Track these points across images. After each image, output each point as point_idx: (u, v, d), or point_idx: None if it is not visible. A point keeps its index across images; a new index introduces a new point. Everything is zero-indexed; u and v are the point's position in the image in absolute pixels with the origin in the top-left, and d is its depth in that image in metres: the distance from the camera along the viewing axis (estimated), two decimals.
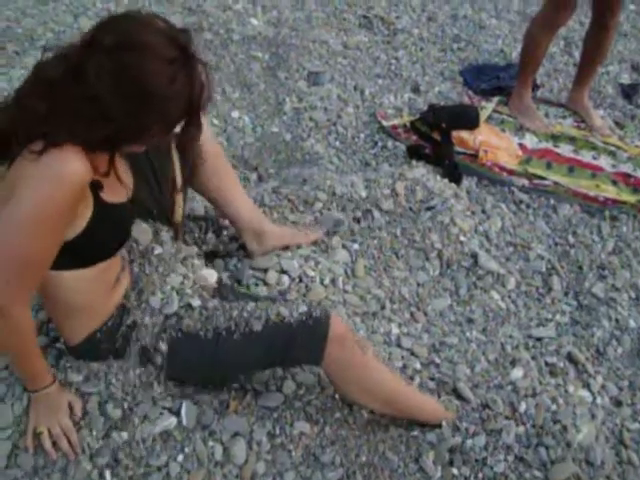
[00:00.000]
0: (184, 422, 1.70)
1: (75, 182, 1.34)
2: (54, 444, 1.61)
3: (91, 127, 1.32)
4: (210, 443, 1.67)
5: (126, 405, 1.68)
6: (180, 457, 1.64)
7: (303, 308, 1.66)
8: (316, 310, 1.66)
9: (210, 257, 2.14)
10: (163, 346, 1.67)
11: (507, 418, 1.83)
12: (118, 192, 1.54)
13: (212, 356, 1.65)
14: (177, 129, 1.48)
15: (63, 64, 1.34)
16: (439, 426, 1.79)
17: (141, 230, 1.76)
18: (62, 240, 1.43)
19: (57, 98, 1.32)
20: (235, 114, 3.05)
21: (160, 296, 1.72)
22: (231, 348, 1.64)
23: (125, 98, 1.31)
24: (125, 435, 1.64)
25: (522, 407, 1.86)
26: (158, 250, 1.78)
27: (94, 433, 1.63)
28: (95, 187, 1.44)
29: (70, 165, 1.33)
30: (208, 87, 1.41)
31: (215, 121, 2.97)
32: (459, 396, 1.90)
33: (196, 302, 1.72)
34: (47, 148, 1.32)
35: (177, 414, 1.70)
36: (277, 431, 1.75)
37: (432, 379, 1.95)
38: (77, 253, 1.48)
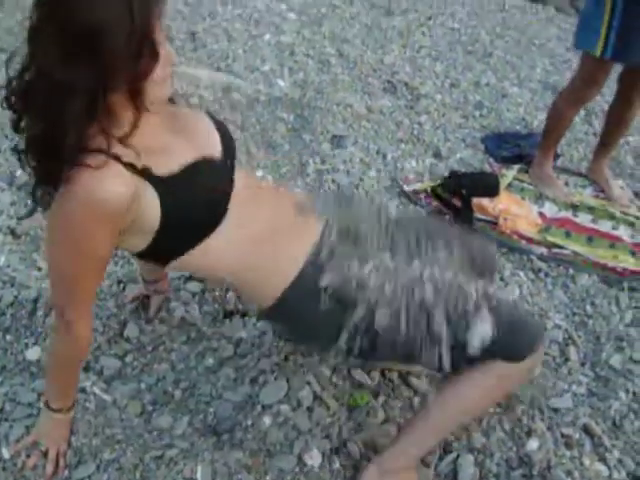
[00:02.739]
0: None
1: (98, 214, 1.31)
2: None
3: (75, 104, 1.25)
4: None
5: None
6: None
7: None
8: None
9: (228, 315, 2.19)
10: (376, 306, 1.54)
11: None
12: (183, 153, 1.44)
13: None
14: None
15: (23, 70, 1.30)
16: None
17: None
18: (102, 260, 1.43)
19: (39, 105, 1.29)
20: (259, 173, 3.10)
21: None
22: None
23: (78, 60, 1.23)
24: None
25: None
26: None
27: None
28: (143, 172, 1.35)
29: (90, 197, 1.29)
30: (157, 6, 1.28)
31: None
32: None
33: None
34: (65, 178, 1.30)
35: None
36: None
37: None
38: (181, 232, 1.45)
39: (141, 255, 1.51)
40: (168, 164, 1.39)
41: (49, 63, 1.24)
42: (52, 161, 1.32)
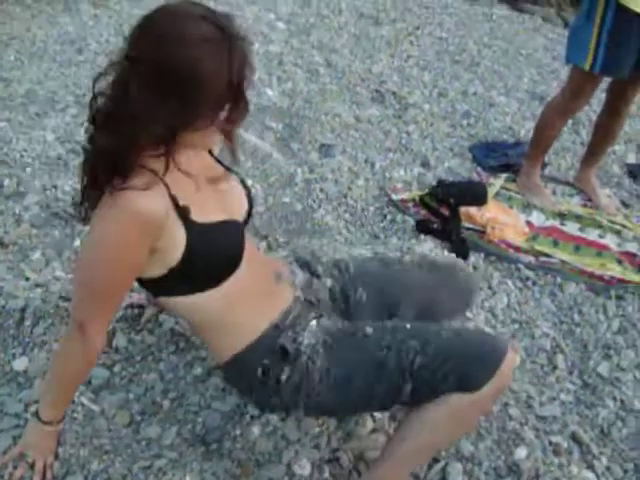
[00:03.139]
0: None
1: (139, 222, 1.38)
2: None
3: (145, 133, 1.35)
4: None
5: None
6: None
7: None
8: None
9: None
10: (318, 362, 1.60)
11: None
12: (217, 210, 1.54)
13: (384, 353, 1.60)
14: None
15: (112, 93, 1.37)
16: None
17: None
18: (134, 273, 1.49)
19: (117, 127, 1.36)
20: (248, 182, 3.09)
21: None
22: (403, 349, 1.60)
23: (169, 100, 1.32)
24: None
25: None
26: None
27: None
28: (183, 211, 1.44)
29: (133, 206, 1.37)
30: (250, 63, 1.39)
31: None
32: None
33: None
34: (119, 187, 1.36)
35: None
36: None
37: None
38: (189, 277, 1.51)
39: (142, 282, 1.57)
40: (203, 214, 1.48)
41: (142, 97, 1.31)
42: (109, 172, 1.38)
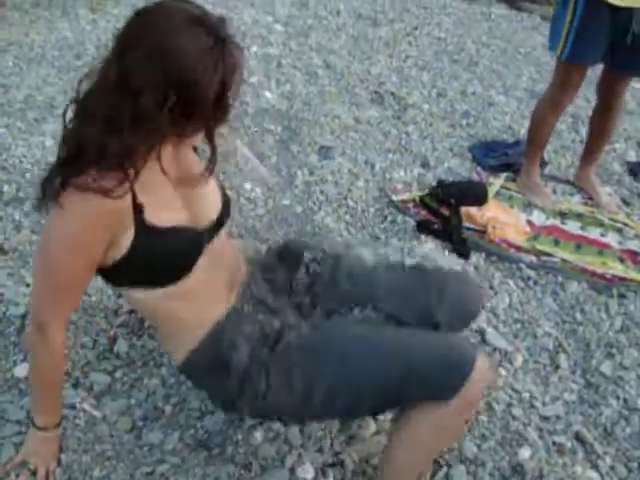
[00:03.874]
0: None
1: (102, 220, 1.37)
2: None
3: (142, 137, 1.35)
4: None
5: None
6: None
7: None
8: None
9: None
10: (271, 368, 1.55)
11: None
12: (178, 214, 1.51)
13: (335, 371, 1.54)
14: None
15: (107, 95, 1.33)
16: None
17: None
18: (92, 269, 1.46)
19: (117, 129, 1.33)
20: (247, 186, 3.10)
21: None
22: (358, 361, 1.54)
23: (176, 105, 1.32)
24: None
25: None
26: None
27: None
28: (138, 209, 1.42)
29: (98, 204, 1.34)
30: (241, 70, 1.40)
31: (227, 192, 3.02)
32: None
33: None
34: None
35: None
36: None
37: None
38: (133, 274, 1.50)
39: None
40: (158, 215, 1.45)
41: (149, 102, 1.30)
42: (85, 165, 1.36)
